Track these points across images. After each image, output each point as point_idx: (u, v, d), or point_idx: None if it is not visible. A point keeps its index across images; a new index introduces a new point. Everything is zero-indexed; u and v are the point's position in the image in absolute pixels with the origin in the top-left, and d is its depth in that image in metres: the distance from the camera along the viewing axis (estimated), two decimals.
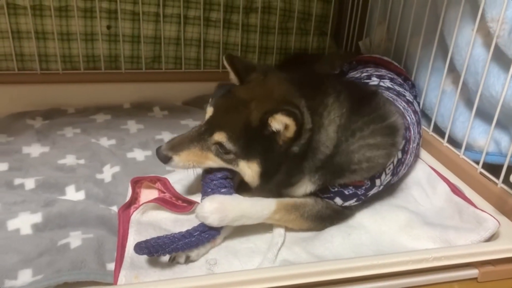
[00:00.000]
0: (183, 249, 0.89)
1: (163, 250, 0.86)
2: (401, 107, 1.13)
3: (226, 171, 1.01)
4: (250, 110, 0.93)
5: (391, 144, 1.01)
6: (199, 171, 1.07)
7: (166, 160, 0.97)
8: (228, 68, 1.03)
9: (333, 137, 0.96)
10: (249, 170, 0.96)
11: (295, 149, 0.93)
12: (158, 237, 0.88)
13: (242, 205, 0.96)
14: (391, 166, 1.05)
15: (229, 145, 0.94)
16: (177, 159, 0.97)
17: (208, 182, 1.00)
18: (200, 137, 0.97)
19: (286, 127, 0.90)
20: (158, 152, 0.98)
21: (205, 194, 1.00)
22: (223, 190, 0.99)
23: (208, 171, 1.01)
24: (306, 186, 1.02)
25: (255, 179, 0.96)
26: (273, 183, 0.97)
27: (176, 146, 0.98)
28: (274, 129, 0.90)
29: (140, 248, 0.85)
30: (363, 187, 1.03)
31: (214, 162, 0.98)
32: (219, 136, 0.94)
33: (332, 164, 0.97)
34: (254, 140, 0.93)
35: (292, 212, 1.01)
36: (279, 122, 0.89)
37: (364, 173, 1.00)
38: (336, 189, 1.02)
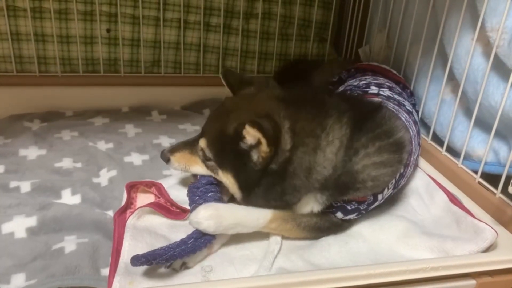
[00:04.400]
0: (180, 256, 0.88)
1: (161, 258, 0.85)
2: (403, 119, 1.12)
3: (212, 177, 1.03)
4: (228, 120, 0.96)
5: (397, 161, 1.00)
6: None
7: (166, 160, 1.07)
8: (223, 82, 1.11)
9: (331, 158, 0.94)
10: (227, 181, 0.98)
11: (273, 166, 0.92)
12: (153, 250, 0.87)
13: (238, 213, 0.96)
14: (393, 181, 1.04)
15: (208, 152, 1.00)
16: (172, 159, 1.07)
17: (194, 191, 1.01)
18: (193, 142, 1.06)
19: (259, 142, 0.89)
20: (162, 153, 1.08)
21: (193, 202, 1.00)
22: (209, 194, 0.99)
23: (194, 181, 1.05)
24: (312, 205, 1.00)
25: (236, 191, 0.99)
26: (257, 197, 0.96)
27: (175, 148, 1.08)
28: (248, 142, 0.91)
29: (137, 259, 0.84)
30: (366, 203, 1.02)
31: (200, 167, 1.05)
32: (202, 142, 1.01)
33: (336, 183, 0.96)
34: (229, 151, 0.96)
35: (289, 222, 1.00)
36: (250, 135, 0.89)
37: (369, 191, 0.99)
38: (338, 204, 1.01)
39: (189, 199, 1.02)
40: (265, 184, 0.94)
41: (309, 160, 0.93)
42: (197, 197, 0.99)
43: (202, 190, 1.00)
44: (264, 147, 0.90)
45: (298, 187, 0.95)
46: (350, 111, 0.98)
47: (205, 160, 1.02)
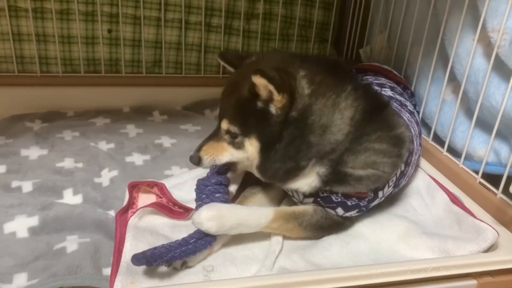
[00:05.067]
0: (181, 257, 0.88)
1: (161, 259, 0.85)
2: (406, 119, 1.12)
3: (221, 177, 1.03)
4: (240, 88, 0.95)
5: (396, 154, 1.00)
6: (196, 176, 1.08)
7: (197, 161, 1.04)
8: (222, 63, 1.08)
9: (347, 123, 0.94)
10: (252, 148, 0.96)
11: (293, 114, 0.91)
12: (155, 248, 0.87)
13: (240, 213, 0.95)
14: (394, 179, 1.04)
15: (233, 128, 0.97)
16: (202, 155, 1.03)
17: (202, 188, 1.01)
18: (215, 132, 1.04)
19: (270, 91, 0.89)
20: (190, 158, 1.05)
21: (199, 200, 1.00)
22: (217, 195, 0.99)
23: (201, 178, 1.04)
24: (312, 178, 0.99)
25: (256, 157, 0.96)
26: (276, 158, 0.94)
27: (200, 146, 1.05)
28: (263, 96, 0.90)
29: (138, 259, 0.84)
30: (366, 199, 1.02)
31: (229, 152, 1.01)
32: (224, 124, 0.99)
33: (339, 159, 0.95)
34: (249, 114, 0.95)
35: (291, 221, 1.00)
36: (259, 86, 0.89)
37: (370, 183, 0.99)
38: (339, 199, 1.01)
39: (196, 195, 1.02)
40: (286, 136, 0.93)
41: (327, 116, 0.93)
42: (204, 196, 0.99)
43: (211, 189, 1.00)
44: (275, 95, 0.89)
45: (312, 145, 0.94)
46: (365, 91, 0.99)
47: (232, 139, 0.99)
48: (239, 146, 0.99)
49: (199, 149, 1.04)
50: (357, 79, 1.17)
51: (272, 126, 0.93)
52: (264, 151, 0.95)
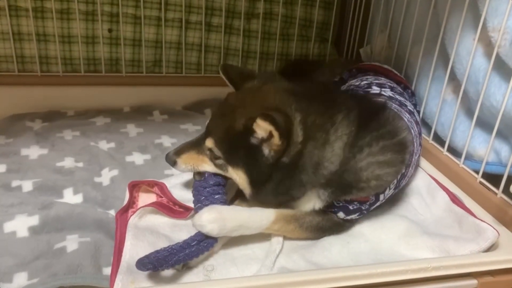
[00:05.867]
0: (184, 260, 0.88)
1: (167, 264, 0.85)
2: (406, 120, 1.12)
3: (219, 177, 1.02)
4: (236, 116, 0.94)
5: (400, 161, 1.00)
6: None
7: (172, 163, 1.05)
8: (223, 77, 1.07)
9: (339, 154, 0.94)
10: (237, 177, 0.98)
11: (284, 159, 0.92)
12: (157, 251, 0.86)
13: (241, 215, 0.95)
14: (395, 181, 1.04)
15: (217, 151, 0.98)
16: (179, 161, 1.04)
17: (201, 190, 1.01)
18: (198, 142, 1.04)
19: (271, 135, 0.88)
20: (166, 156, 1.06)
21: (198, 202, 0.99)
22: (216, 196, 0.99)
23: (199, 179, 1.04)
24: (314, 202, 1.00)
25: (246, 187, 0.98)
26: (267, 193, 0.96)
27: (180, 150, 1.05)
28: (259, 136, 0.90)
29: (143, 264, 0.84)
30: (368, 203, 1.02)
31: (209, 166, 1.03)
32: (209, 142, 0.99)
33: (340, 181, 0.96)
34: (239, 147, 0.94)
35: (292, 223, 1.00)
36: (261, 128, 0.88)
37: (372, 190, 0.99)
38: (341, 204, 1.01)
39: (194, 197, 1.02)
40: (275, 178, 0.93)
41: (318, 155, 0.93)
42: (203, 198, 0.99)
43: (209, 191, 0.99)
44: (276, 140, 0.88)
45: (305, 182, 0.95)
46: (357, 109, 0.98)
47: (213, 159, 1.00)
48: (221, 168, 1.01)
49: (178, 153, 1.04)
50: (348, 96, 1.16)
51: (261, 166, 0.93)
52: (254, 185, 0.96)
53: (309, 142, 0.92)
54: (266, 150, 0.92)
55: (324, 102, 0.97)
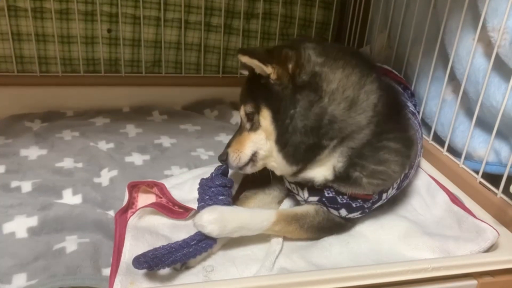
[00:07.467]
0: (182, 260, 0.88)
1: (163, 263, 0.85)
2: (413, 120, 1.14)
3: (226, 179, 1.02)
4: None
5: (407, 155, 1.01)
6: (196, 176, 1.07)
7: (224, 156, 1.04)
8: (247, 60, 0.95)
9: (371, 108, 0.94)
10: (265, 122, 0.97)
11: (304, 77, 0.93)
12: (155, 249, 0.86)
13: (242, 217, 0.95)
14: (398, 181, 1.04)
15: (248, 108, 1.00)
16: (229, 151, 1.03)
17: (206, 189, 1.00)
18: (239, 128, 1.05)
19: (259, 66, 0.93)
20: (219, 156, 1.05)
21: (202, 200, 0.99)
22: (220, 197, 0.98)
23: (205, 178, 1.03)
24: (328, 169, 0.97)
25: (272, 131, 0.96)
26: (297, 127, 0.93)
27: (228, 143, 1.06)
28: (259, 72, 0.95)
29: (139, 262, 0.84)
30: (371, 201, 1.02)
31: (251, 141, 1.00)
32: (241, 111, 1.02)
33: (358, 153, 0.95)
34: (255, 90, 0.99)
35: (292, 224, 1.00)
36: (249, 64, 0.94)
37: (380, 182, 0.99)
38: (344, 200, 1.00)
39: (198, 195, 1.02)
40: (300, 100, 0.93)
41: (352, 90, 0.93)
42: (207, 197, 0.99)
43: (214, 191, 0.99)
44: (263, 66, 0.92)
45: (335, 119, 0.93)
46: (389, 88, 1.02)
47: (250, 124, 1.00)
48: (256, 127, 0.99)
49: (228, 145, 1.05)
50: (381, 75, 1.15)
51: (277, 94, 0.94)
52: (278, 119, 0.95)
53: (337, 69, 0.94)
54: (271, 80, 0.94)
55: (359, 59, 0.99)
